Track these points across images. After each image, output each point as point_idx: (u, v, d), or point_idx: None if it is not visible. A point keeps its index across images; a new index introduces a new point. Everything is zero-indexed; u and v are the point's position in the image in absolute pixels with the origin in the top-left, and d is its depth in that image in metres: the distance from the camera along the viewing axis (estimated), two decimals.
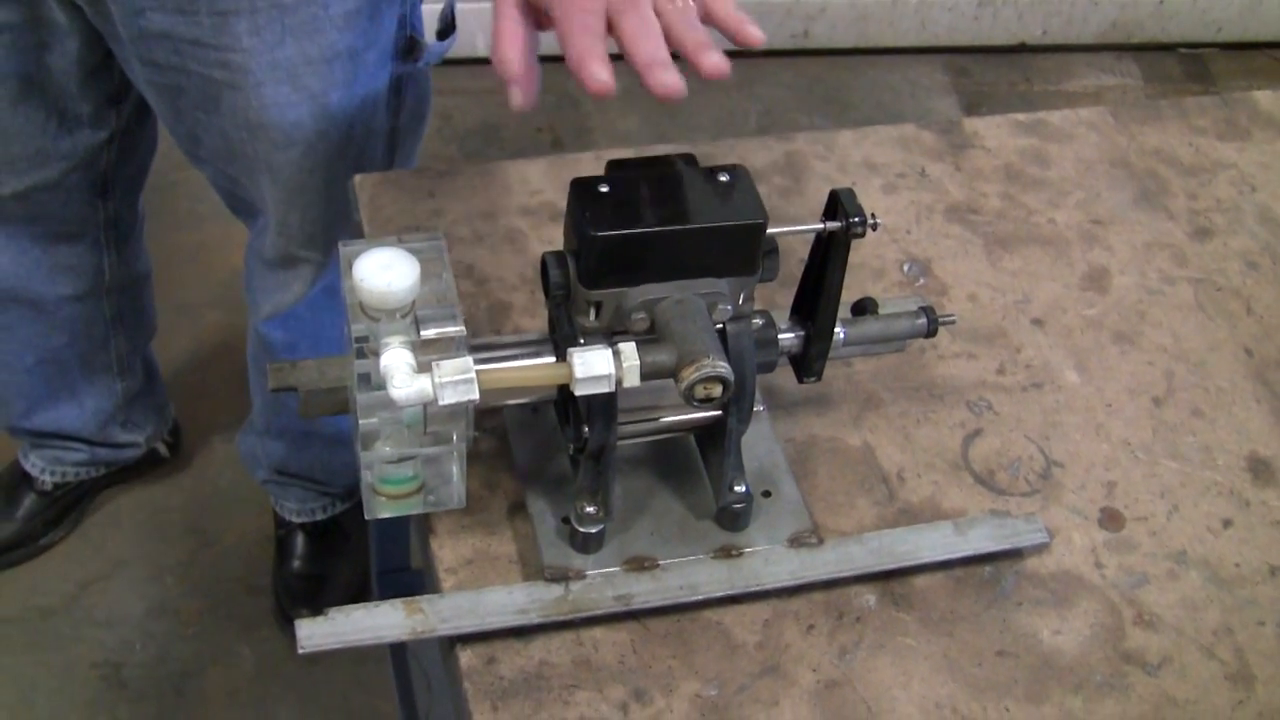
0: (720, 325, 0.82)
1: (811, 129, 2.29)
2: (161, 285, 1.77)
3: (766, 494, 0.91)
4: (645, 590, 0.86)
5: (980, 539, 0.90)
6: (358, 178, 1.08)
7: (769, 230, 0.81)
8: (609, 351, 0.77)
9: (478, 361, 0.80)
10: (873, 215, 0.82)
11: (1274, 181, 1.19)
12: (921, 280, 1.08)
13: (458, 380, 0.76)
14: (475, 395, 0.77)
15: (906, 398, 1.00)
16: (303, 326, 1.42)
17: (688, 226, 0.78)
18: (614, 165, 0.82)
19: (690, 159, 0.83)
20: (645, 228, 0.77)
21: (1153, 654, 0.89)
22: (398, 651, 1.47)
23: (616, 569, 0.86)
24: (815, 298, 0.86)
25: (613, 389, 0.78)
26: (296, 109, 1.19)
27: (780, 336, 0.87)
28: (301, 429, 1.56)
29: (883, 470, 0.96)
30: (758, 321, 0.84)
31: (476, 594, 0.86)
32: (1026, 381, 1.02)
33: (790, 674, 0.86)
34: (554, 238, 1.06)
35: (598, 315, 0.80)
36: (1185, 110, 1.24)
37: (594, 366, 0.76)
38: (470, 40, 2.32)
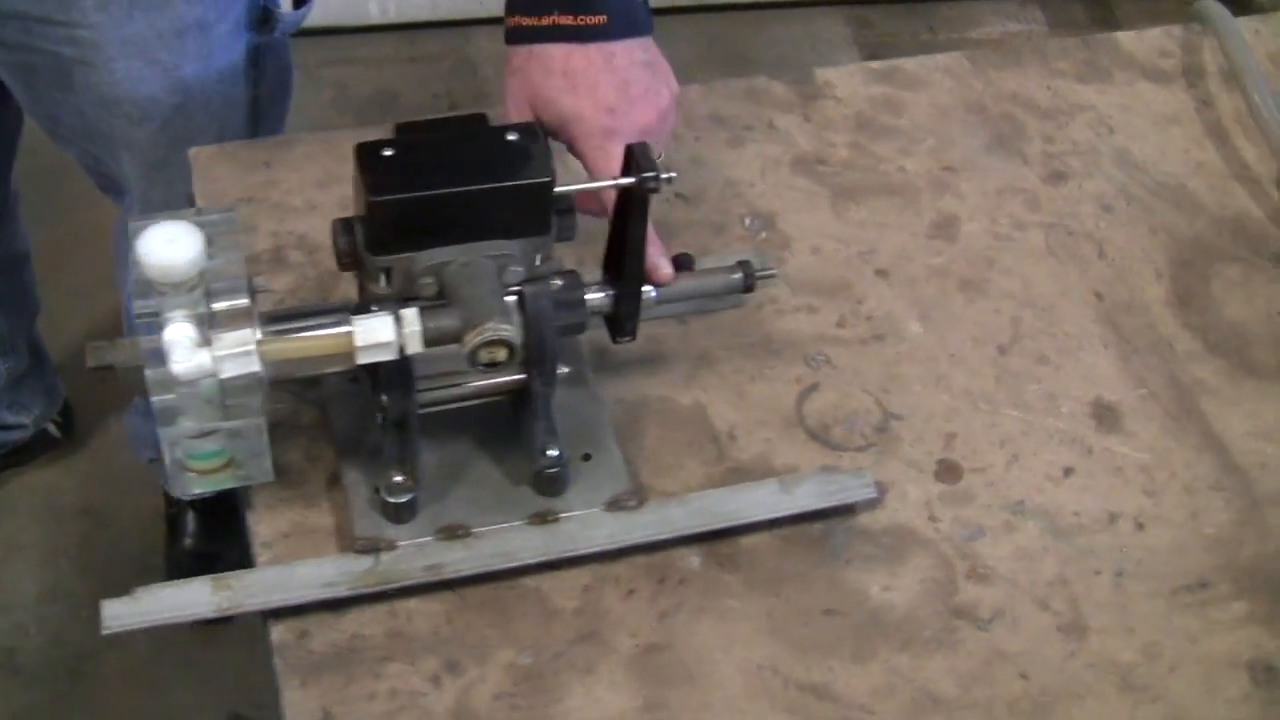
0: (517, 287, 0.80)
1: None
2: (54, 266, 1.74)
3: (587, 457, 0.89)
4: (457, 559, 0.84)
5: (806, 496, 0.89)
6: (192, 150, 1.06)
7: (561, 188, 0.79)
8: (391, 318, 0.75)
9: (276, 333, 0.78)
10: (666, 171, 0.80)
11: (1133, 123, 1.17)
12: (764, 234, 1.06)
13: (237, 353, 0.75)
14: (256, 368, 0.75)
15: (742, 354, 0.98)
16: None
17: (470, 187, 0.76)
18: (402, 128, 0.80)
19: (481, 119, 0.81)
20: (426, 190, 0.76)
21: (985, 608, 0.88)
22: None
23: (429, 539, 0.85)
24: (621, 256, 0.84)
25: (396, 356, 0.76)
26: (150, 83, 1.18)
27: (588, 297, 0.85)
28: None
29: (714, 429, 0.94)
30: (557, 282, 0.82)
31: (287, 568, 0.84)
32: (867, 334, 1.00)
33: (608, 640, 0.84)
34: None
35: (388, 281, 0.78)
36: (1045, 53, 1.22)
37: (375, 334, 0.74)
38: (363, 8, 2.28)
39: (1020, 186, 1.11)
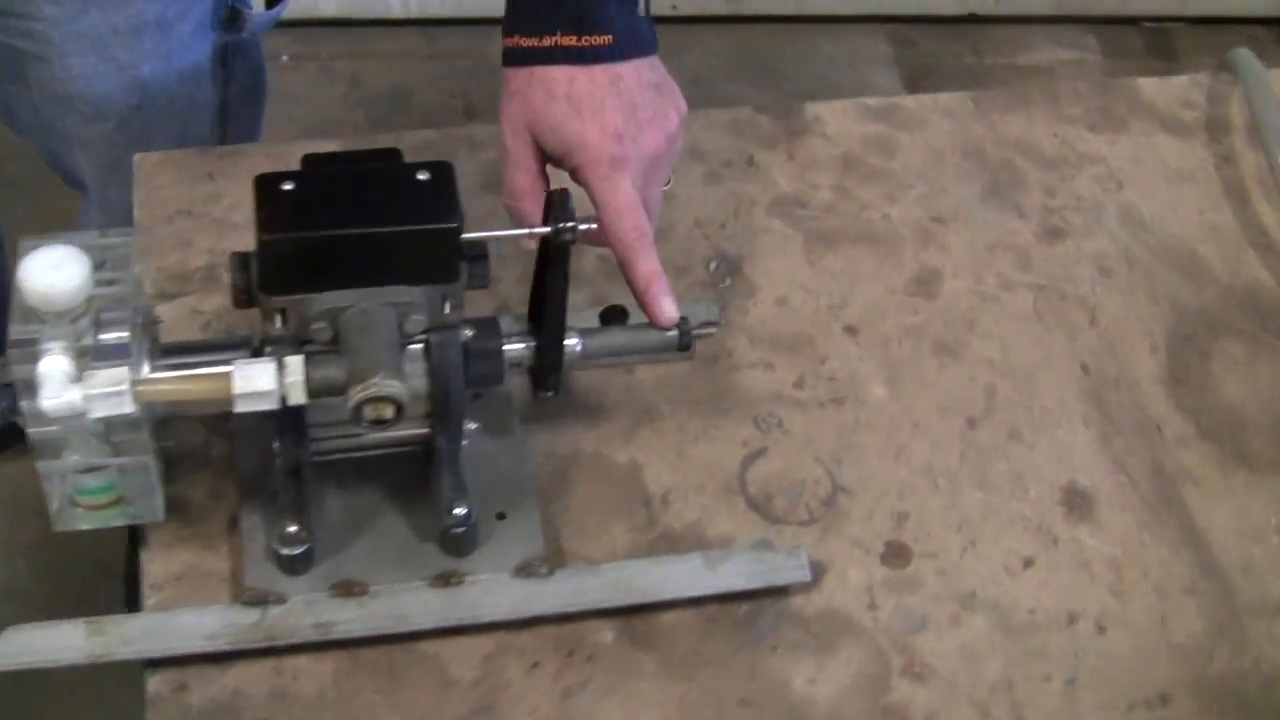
0: (422, 337, 0.78)
1: (733, 100, 2.23)
2: None
3: (501, 516, 0.87)
4: (349, 619, 0.82)
5: (733, 575, 0.86)
6: (137, 157, 1.05)
7: (472, 235, 0.76)
8: (273, 365, 0.73)
9: (165, 367, 0.76)
10: (581, 221, 0.77)
11: (1144, 178, 1.13)
12: (728, 280, 1.03)
13: (109, 393, 0.73)
14: (129, 409, 0.73)
15: (688, 411, 0.95)
16: None
17: (369, 230, 0.74)
18: (309, 160, 0.78)
19: (394, 155, 0.78)
20: (321, 230, 0.73)
21: (917, 709, 0.84)
22: None
23: (322, 594, 0.82)
24: (542, 306, 0.82)
25: (277, 406, 0.73)
26: (105, 81, 1.17)
27: (508, 348, 0.83)
28: None
29: (646, 491, 0.91)
30: (467, 332, 0.79)
31: (169, 615, 0.82)
32: (826, 396, 0.97)
33: (506, 715, 0.82)
34: None
35: (284, 323, 0.76)
36: (1057, 97, 1.18)
37: (254, 382, 0.72)
38: (383, 0, 2.27)
39: (1012, 242, 1.08)
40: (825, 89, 2.10)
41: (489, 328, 0.83)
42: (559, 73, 0.85)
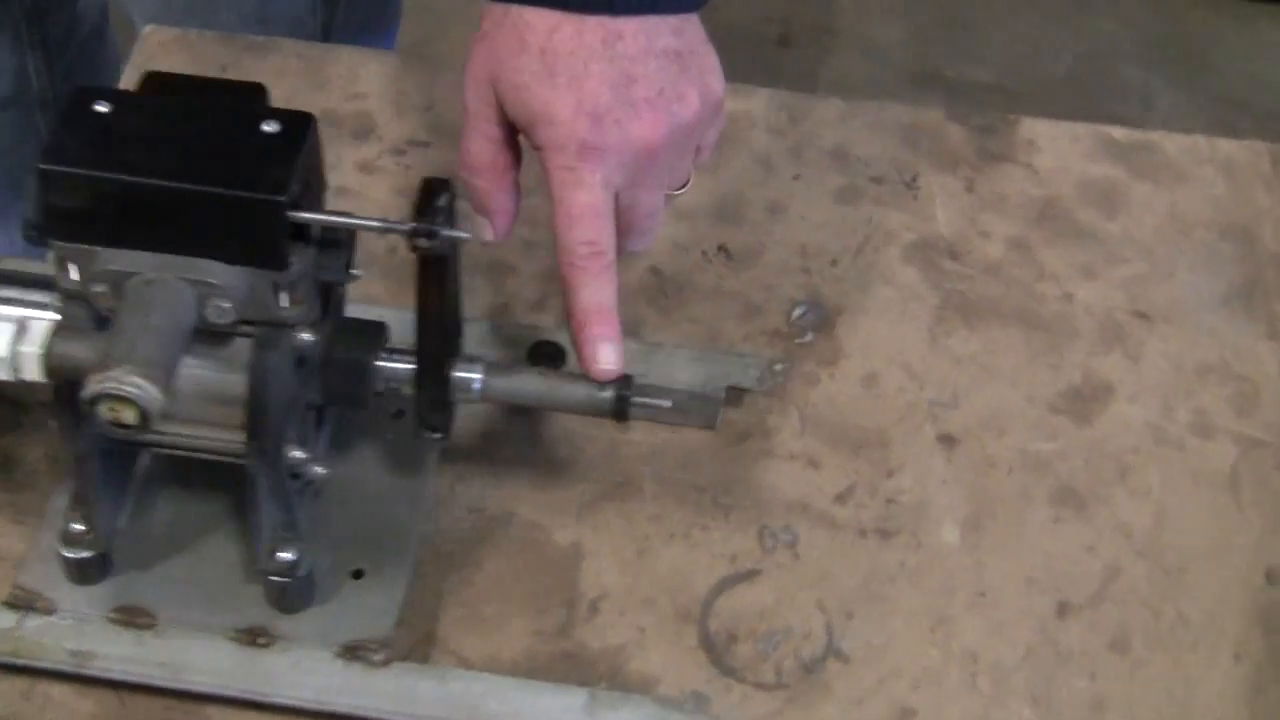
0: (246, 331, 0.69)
1: (1133, 90, 1.98)
2: None
3: (358, 575, 0.76)
4: (113, 654, 0.74)
5: None
6: (146, 29, 1.00)
7: (306, 215, 0.66)
8: (12, 328, 0.65)
9: None
10: (442, 227, 0.65)
11: None
12: (809, 336, 0.87)
13: None
14: None
15: (678, 496, 0.82)
16: None
17: (170, 184, 0.65)
18: (151, 80, 0.70)
19: (257, 92, 0.69)
20: (111, 172, 0.65)
21: None
22: None
23: (98, 615, 0.75)
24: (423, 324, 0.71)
25: (9, 377, 0.66)
26: None
27: (387, 365, 0.72)
28: None
29: (576, 590, 0.79)
30: (304, 336, 0.69)
31: None
32: (874, 523, 0.81)
33: None
34: (347, 158, 0.93)
35: (77, 276, 0.68)
36: None
37: None
38: None
39: (1240, 370, 0.87)
40: (1268, 94, 1.81)
41: (363, 334, 0.72)
42: (538, 18, 0.72)
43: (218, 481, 0.78)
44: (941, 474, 0.83)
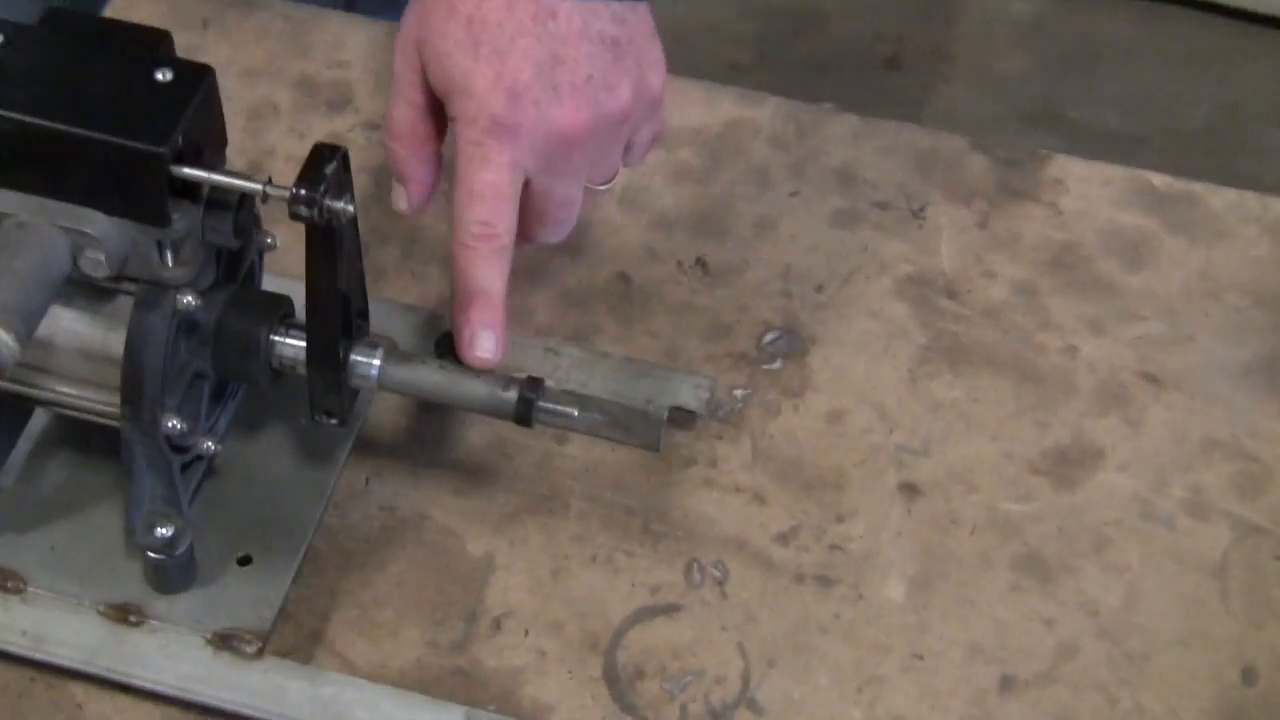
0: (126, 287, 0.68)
1: (1274, 151, 1.90)
2: None
3: (245, 561, 0.75)
4: None
5: None
6: None
7: (191, 171, 0.65)
8: None
9: None
10: (339, 202, 0.64)
11: None
12: (778, 363, 0.84)
13: None
14: None
15: (604, 517, 0.79)
16: None
17: (48, 123, 0.64)
18: (53, 15, 0.70)
19: (161, 39, 0.68)
20: None
21: None
22: None
23: None
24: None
25: None
26: None
27: (278, 340, 0.70)
28: None
29: (482, 605, 0.76)
30: (188, 300, 0.67)
31: None
32: (814, 568, 0.78)
33: None
34: (318, 129, 0.93)
35: None
36: None
37: None
38: None
39: (1250, 450, 0.82)
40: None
41: (260, 307, 0.71)
42: None
43: (116, 450, 0.77)
44: (897, 525, 0.79)
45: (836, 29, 1.96)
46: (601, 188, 0.75)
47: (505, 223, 0.70)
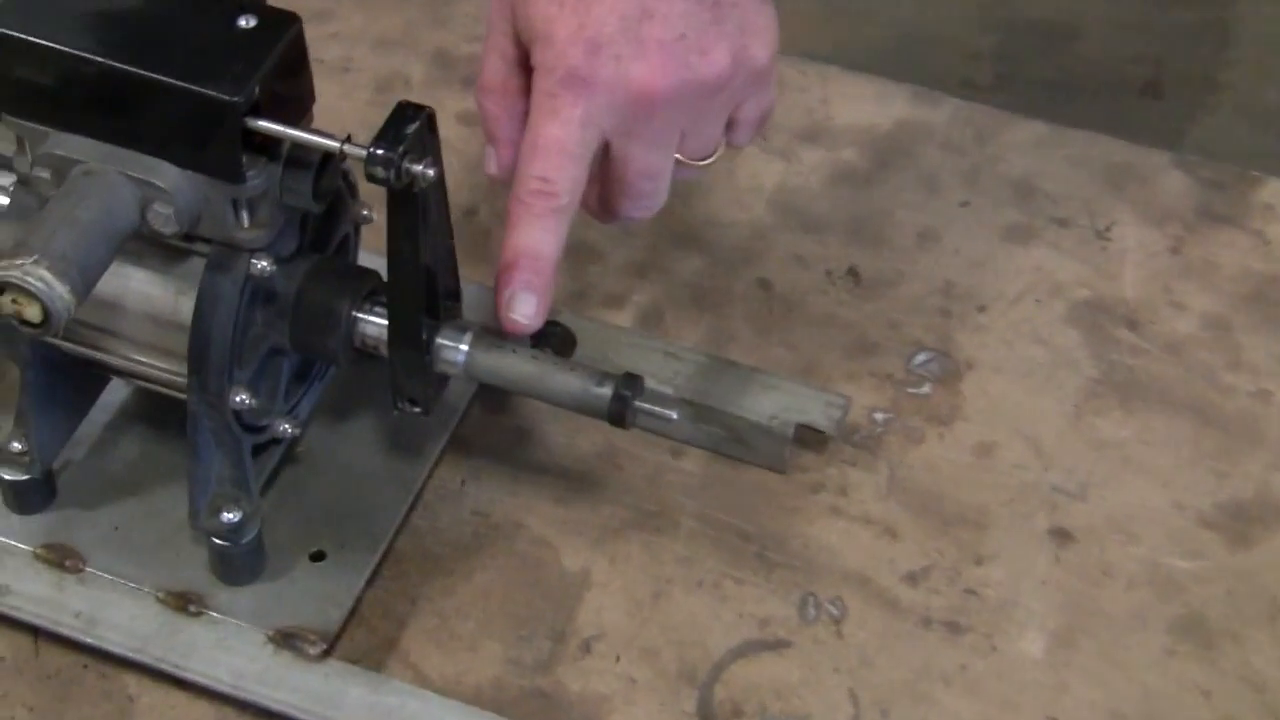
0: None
1: None
2: None
3: (319, 557, 0.74)
4: (29, 593, 0.74)
5: None
6: None
7: (270, 125, 0.63)
8: None
9: None
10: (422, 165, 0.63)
11: None
12: (926, 388, 0.81)
13: None
14: None
15: (715, 540, 0.77)
16: None
17: (120, 65, 0.64)
18: None
19: None
20: (53, 42, 0.64)
21: None
22: None
23: (25, 550, 0.74)
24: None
25: None
26: None
27: (361, 318, 0.69)
28: None
29: (573, 624, 0.74)
30: (263, 265, 0.66)
31: None
32: (943, 613, 0.74)
33: None
34: (449, 106, 0.91)
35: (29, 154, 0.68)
36: None
37: None
38: None
39: None
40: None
41: (343, 279, 0.70)
42: None
43: None
44: (1043, 573, 0.75)
45: (1088, 47, 1.88)
46: (700, 164, 0.72)
47: (567, 182, 0.67)
